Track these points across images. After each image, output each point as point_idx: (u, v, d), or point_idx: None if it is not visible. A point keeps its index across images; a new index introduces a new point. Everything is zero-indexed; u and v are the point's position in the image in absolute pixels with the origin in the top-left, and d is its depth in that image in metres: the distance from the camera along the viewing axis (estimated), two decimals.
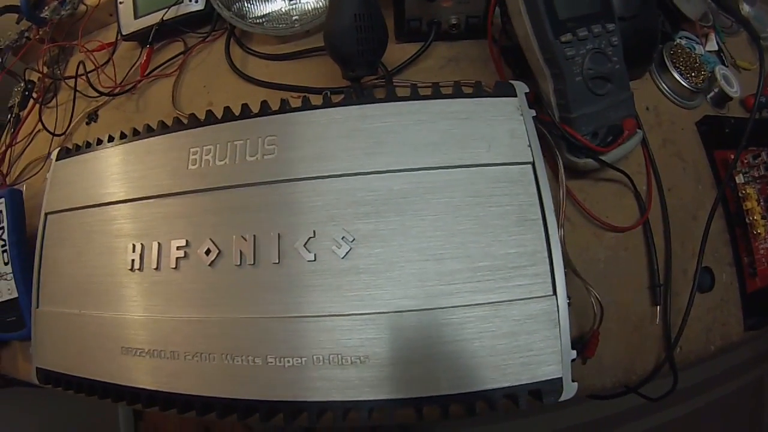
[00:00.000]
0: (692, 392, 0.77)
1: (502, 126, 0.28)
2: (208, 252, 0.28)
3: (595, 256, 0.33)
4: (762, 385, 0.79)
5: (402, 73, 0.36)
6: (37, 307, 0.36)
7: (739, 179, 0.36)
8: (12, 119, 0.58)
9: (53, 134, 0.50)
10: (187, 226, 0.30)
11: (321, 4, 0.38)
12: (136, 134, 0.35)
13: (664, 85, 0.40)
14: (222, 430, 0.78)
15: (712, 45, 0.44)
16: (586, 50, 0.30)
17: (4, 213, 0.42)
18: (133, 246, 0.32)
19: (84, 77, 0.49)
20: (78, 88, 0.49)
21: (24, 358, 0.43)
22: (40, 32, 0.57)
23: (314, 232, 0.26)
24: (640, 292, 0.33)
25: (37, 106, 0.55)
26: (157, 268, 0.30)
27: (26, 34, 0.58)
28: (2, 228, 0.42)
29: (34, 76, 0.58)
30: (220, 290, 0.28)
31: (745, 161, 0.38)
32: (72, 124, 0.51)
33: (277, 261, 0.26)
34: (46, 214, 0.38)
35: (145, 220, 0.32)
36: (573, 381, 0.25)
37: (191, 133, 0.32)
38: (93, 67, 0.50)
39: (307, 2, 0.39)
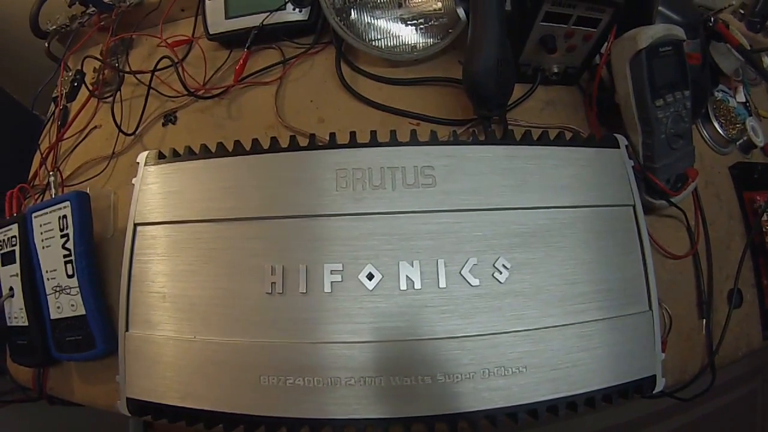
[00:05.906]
0: (692, 404, 0.87)
1: (612, 173, 0.37)
2: (370, 277, 0.32)
3: (661, 278, 0.43)
4: (755, 398, 0.91)
5: (509, 112, 0.43)
6: (127, 330, 0.35)
7: (762, 217, 0.48)
8: (58, 112, 0.57)
9: (125, 133, 0.50)
10: (342, 250, 0.33)
11: (438, 40, 0.44)
12: (258, 148, 0.37)
13: (706, 134, 0.51)
14: None
15: (741, 96, 0.56)
16: (670, 113, 0.40)
17: (70, 219, 0.39)
18: (273, 268, 0.32)
19: (158, 74, 0.48)
20: (151, 85, 0.48)
21: (82, 379, 0.42)
22: (102, 20, 0.56)
23: (477, 259, 0.32)
24: (690, 308, 0.44)
25: (93, 100, 0.55)
26: (305, 293, 0.32)
27: (80, 20, 0.58)
28: (66, 236, 0.39)
29: (89, 66, 0.58)
30: (385, 314, 0.31)
31: (766, 201, 0.49)
32: (143, 124, 0.51)
33: (444, 286, 0.32)
34: (135, 225, 0.37)
35: (285, 241, 0.33)
36: (662, 377, 0.34)
37: (337, 153, 0.35)
38: (168, 64, 0.51)
39: (427, 38, 0.44)
